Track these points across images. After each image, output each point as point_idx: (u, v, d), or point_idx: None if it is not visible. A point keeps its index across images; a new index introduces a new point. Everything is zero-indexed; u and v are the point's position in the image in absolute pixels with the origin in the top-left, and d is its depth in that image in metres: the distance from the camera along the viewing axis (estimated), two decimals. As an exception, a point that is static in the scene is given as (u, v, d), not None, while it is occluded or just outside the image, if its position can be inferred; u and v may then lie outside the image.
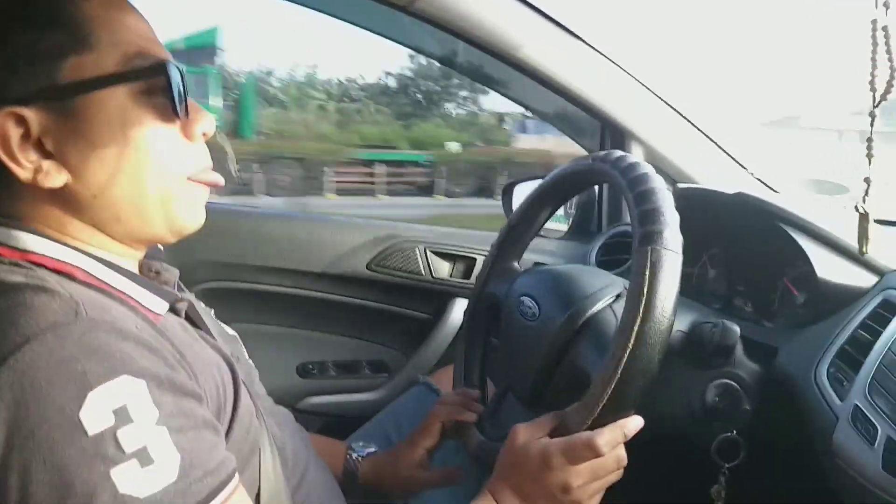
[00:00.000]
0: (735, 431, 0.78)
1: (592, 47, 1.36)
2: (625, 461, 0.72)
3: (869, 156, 0.67)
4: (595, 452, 0.69)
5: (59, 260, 0.63)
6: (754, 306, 1.06)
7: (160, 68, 0.64)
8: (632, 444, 0.71)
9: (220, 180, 0.73)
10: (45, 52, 0.61)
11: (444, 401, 1.06)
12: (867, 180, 0.68)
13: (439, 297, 1.61)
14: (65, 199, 0.64)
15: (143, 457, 0.53)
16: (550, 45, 1.35)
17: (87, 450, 0.51)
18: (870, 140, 0.67)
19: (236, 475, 0.61)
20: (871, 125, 0.66)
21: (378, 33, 1.56)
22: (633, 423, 0.71)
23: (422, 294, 1.60)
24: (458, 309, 1.60)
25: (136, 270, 0.72)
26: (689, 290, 1.19)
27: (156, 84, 0.64)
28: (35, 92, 0.61)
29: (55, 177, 0.62)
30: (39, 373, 0.52)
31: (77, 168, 0.63)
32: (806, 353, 0.81)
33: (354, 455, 1.06)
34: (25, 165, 0.62)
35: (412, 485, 1.02)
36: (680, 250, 0.71)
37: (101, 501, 0.51)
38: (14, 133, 0.61)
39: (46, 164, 0.62)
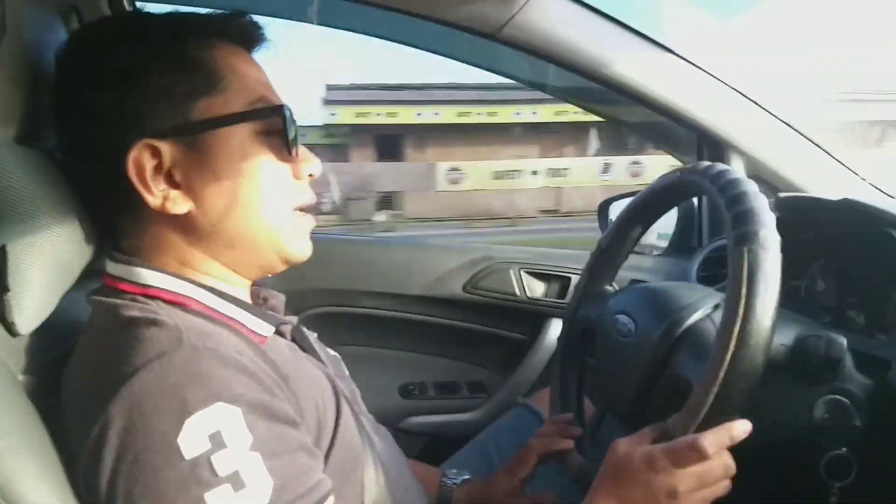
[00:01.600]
0: (845, 449, 0.74)
1: (683, 58, 1.34)
2: (733, 469, 0.68)
3: None
4: (700, 454, 0.66)
5: (172, 291, 0.69)
6: (867, 318, 1.00)
7: (279, 111, 0.71)
8: (738, 464, 0.69)
9: (313, 222, 0.79)
10: (182, 92, 0.68)
11: (540, 432, 1.06)
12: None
13: (535, 317, 1.61)
14: (186, 227, 0.71)
15: (236, 481, 0.56)
16: (640, 59, 1.35)
17: (184, 473, 0.55)
18: None
19: (331, 498, 0.63)
20: None
21: (464, 61, 1.59)
22: (740, 427, 0.67)
23: (518, 315, 1.61)
24: (554, 329, 1.60)
25: (247, 298, 0.78)
26: (798, 303, 1.14)
27: (273, 126, 0.71)
28: (170, 127, 0.68)
29: (181, 204, 0.69)
30: (146, 401, 0.57)
31: (200, 197, 0.70)
32: (922, 365, 0.76)
33: (449, 482, 1.07)
34: (156, 193, 0.68)
35: None
36: (778, 249, 0.69)
37: None
38: (149, 163, 0.67)
39: (174, 193, 0.69)
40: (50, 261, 0.65)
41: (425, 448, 1.58)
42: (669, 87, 1.36)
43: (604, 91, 1.41)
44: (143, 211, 0.69)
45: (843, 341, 0.73)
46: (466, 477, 1.09)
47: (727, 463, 0.69)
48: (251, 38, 0.76)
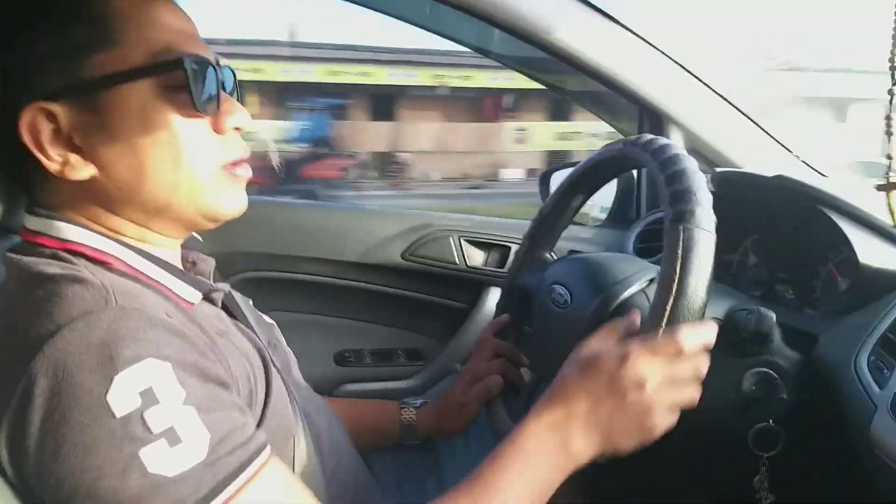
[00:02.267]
0: (772, 421, 0.76)
1: (627, 28, 1.34)
2: (703, 373, 0.69)
3: (889, 132, 0.66)
4: (676, 346, 0.67)
5: (97, 249, 0.65)
6: (796, 293, 1.03)
7: (178, 63, 0.64)
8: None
9: (248, 173, 0.74)
10: (71, 48, 0.63)
11: (494, 342, 1.07)
12: (889, 157, 0.66)
13: (474, 285, 1.61)
14: (96, 191, 0.66)
15: (172, 436, 0.55)
16: (584, 27, 1.33)
17: (116, 431, 0.53)
18: (888, 118, 0.65)
19: (268, 449, 0.62)
20: (891, 102, 0.65)
21: (408, 21, 1.56)
22: (711, 328, 0.68)
23: (457, 283, 1.60)
24: (493, 298, 1.60)
25: (175, 260, 0.74)
26: (729, 277, 1.17)
27: (179, 79, 0.65)
28: (62, 87, 0.62)
29: (81, 170, 0.64)
30: (70, 358, 0.54)
31: (103, 162, 0.65)
32: (847, 340, 0.78)
33: (409, 409, 1.08)
34: (55, 158, 0.64)
35: (467, 410, 1.04)
36: (713, 229, 0.70)
37: (131, 481, 0.53)
38: (45, 127, 0.63)
39: (73, 158, 0.64)
40: None
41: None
42: (612, 57, 1.35)
43: (547, 59, 1.39)
44: (53, 176, 0.65)
45: (773, 315, 0.75)
46: (424, 400, 1.10)
47: (698, 366, 0.69)
48: None
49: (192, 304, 0.70)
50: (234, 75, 0.75)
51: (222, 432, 0.58)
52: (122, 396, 0.54)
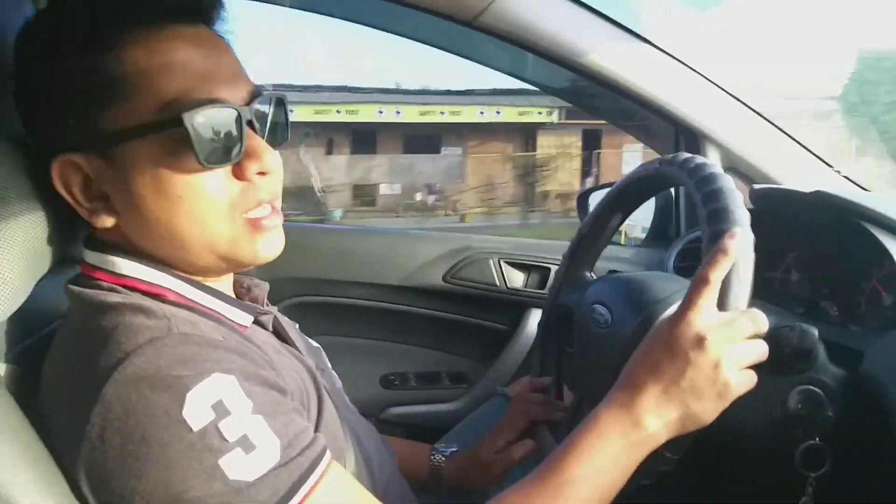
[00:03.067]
0: (819, 439, 0.75)
1: (660, 49, 1.35)
2: (766, 355, 0.70)
3: None
4: (757, 325, 0.68)
5: (151, 283, 0.68)
6: (840, 309, 1.02)
7: (178, 120, 0.61)
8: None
9: (273, 224, 0.71)
10: (87, 103, 0.64)
11: (525, 398, 1.07)
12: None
13: (515, 307, 1.62)
14: (124, 236, 0.69)
15: (246, 444, 0.57)
16: (617, 49, 1.35)
17: (195, 444, 0.56)
18: None
19: (329, 452, 0.64)
20: None
21: (443, 48, 1.59)
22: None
23: (498, 305, 1.62)
24: (534, 319, 1.61)
25: (227, 288, 0.77)
26: (772, 294, 1.16)
27: (184, 132, 0.62)
28: (82, 140, 0.65)
29: (105, 219, 0.67)
30: (143, 382, 0.57)
31: (122, 212, 0.67)
32: (893, 355, 0.77)
33: (438, 456, 1.08)
34: (85, 206, 0.67)
35: (493, 469, 1.04)
36: (752, 248, 0.70)
37: (215, 489, 0.56)
38: (74, 178, 0.66)
39: (98, 206, 0.67)
40: (23, 248, 0.64)
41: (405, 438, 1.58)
42: (646, 77, 1.37)
43: (582, 82, 1.41)
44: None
45: (815, 331, 0.75)
46: (454, 448, 1.10)
47: (763, 345, 0.70)
48: (189, 9, 0.66)
49: (245, 326, 0.73)
50: (280, 105, 0.74)
51: (290, 435, 0.61)
52: (196, 411, 0.56)
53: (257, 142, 0.68)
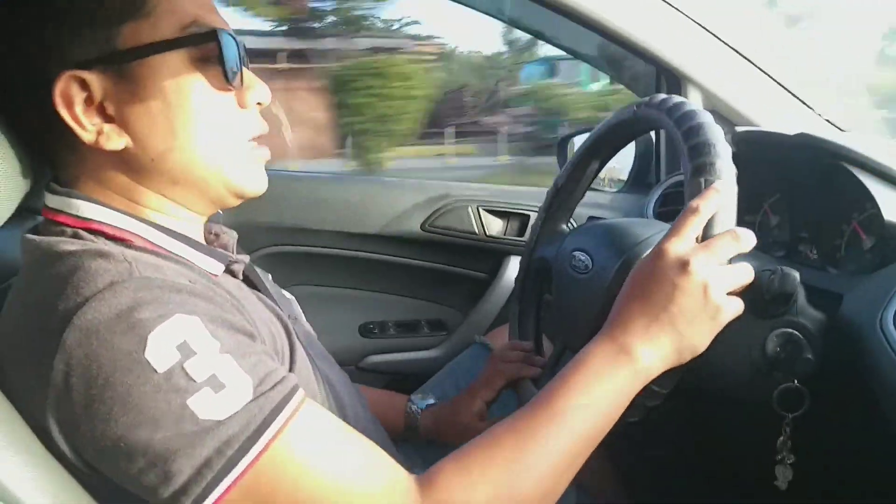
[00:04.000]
0: (797, 381, 0.76)
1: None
2: (751, 274, 0.70)
3: None
4: (739, 244, 0.68)
5: (116, 227, 0.66)
6: (820, 253, 1.02)
7: (212, 36, 0.66)
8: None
9: (267, 154, 0.75)
10: (104, 17, 0.63)
11: (504, 356, 1.07)
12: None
13: (494, 255, 1.61)
14: (126, 163, 0.67)
15: (215, 383, 0.56)
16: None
17: (161, 385, 0.55)
18: None
19: (301, 389, 0.63)
20: None
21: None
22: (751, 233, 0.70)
23: (477, 253, 1.61)
24: (514, 266, 1.60)
25: (198, 234, 0.75)
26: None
27: (209, 52, 0.66)
28: (95, 56, 0.63)
29: (116, 140, 0.65)
30: (102, 326, 0.55)
31: (136, 132, 0.66)
32: (872, 299, 0.77)
33: (414, 407, 1.09)
34: (88, 128, 0.64)
35: (470, 434, 1.04)
36: (734, 180, 0.70)
37: (185, 430, 0.55)
38: (78, 96, 0.63)
39: (108, 128, 0.65)
40: None
41: (385, 386, 1.58)
42: (627, 17, 1.33)
43: (562, 21, 1.37)
44: (80, 145, 0.65)
45: (797, 275, 0.74)
46: (431, 402, 1.11)
47: (747, 267, 0.70)
48: None
49: (215, 275, 0.71)
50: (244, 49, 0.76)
51: (261, 374, 0.60)
52: (159, 352, 0.55)
53: (253, 75, 0.72)
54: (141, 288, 0.58)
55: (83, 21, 0.63)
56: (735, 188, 0.70)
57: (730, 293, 0.69)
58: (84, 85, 0.64)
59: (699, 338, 0.68)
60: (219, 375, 0.57)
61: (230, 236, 0.82)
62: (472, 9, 1.64)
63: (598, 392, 0.67)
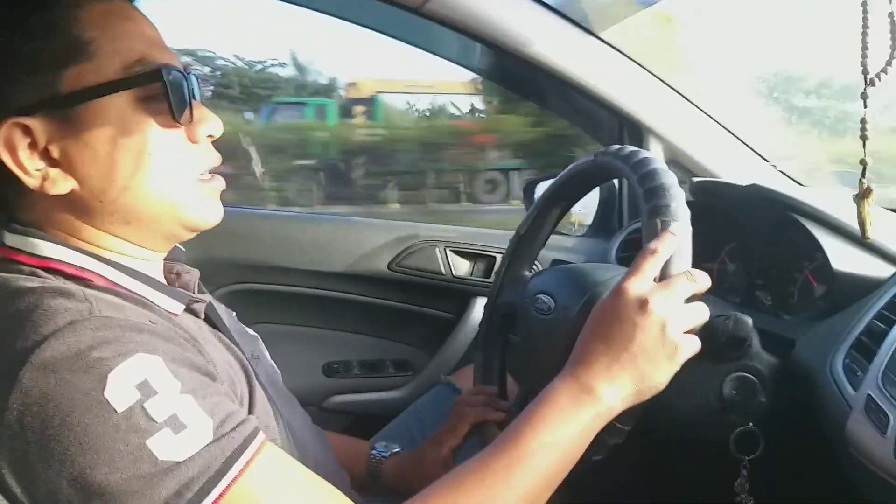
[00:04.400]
0: (752, 424, 0.78)
1: (605, 42, 1.37)
2: (707, 316, 0.72)
3: (863, 138, 0.67)
4: (696, 284, 0.70)
5: (76, 266, 0.65)
6: (774, 299, 1.06)
7: (157, 75, 0.65)
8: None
9: (222, 185, 0.74)
10: (46, 62, 0.62)
11: (469, 401, 1.07)
12: (863, 162, 0.68)
13: (461, 295, 1.62)
14: (75, 205, 0.66)
15: (175, 423, 0.55)
16: (563, 41, 1.36)
17: (120, 425, 0.54)
18: (863, 121, 0.67)
19: (262, 434, 0.62)
20: (865, 107, 0.67)
21: (390, 35, 1.57)
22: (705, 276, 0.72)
23: (443, 293, 1.62)
24: (480, 307, 1.61)
25: (157, 273, 0.75)
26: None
27: (155, 90, 0.65)
28: (37, 102, 0.62)
29: (61, 184, 0.64)
30: (61, 365, 0.54)
31: (82, 174, 0.65)
32: (823, 344, 0.80)
33: (377, 455, 1.06)
34: (33, 173, 0.64)
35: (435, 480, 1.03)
36: (688, 220, 0.73)
37: (143, 471, 0.54)
38: (21, 142, 0.63)
39: (53, 172, 0.64)
40: None
41: (349, 427, 1.57)
42: (591, 69, 1.38)
43: (528, 72, 1.42)
44: (28, 191, 0.65)
45: (749, 321, 0.77)
46: (396, 450, 1.08)
47: (703, 308, 0.71)
48: None
49: (175, 314, 0.71)
50: (198, 81, 0.75)
51: (222, 415, 0.59)
52: (119, 391, 0.54)
53: (204, 109, 0.71)
54: (101, 327, 0.57)
55: (24, 67, 0.62)
56: (689, 230, 0.73)
57: (687, 332, 0.71)
58: (27, 130, 0.62)
59: (659, 375, 0.69)
60: (179, 416, 0.55)
61: (192, 275, 0.80)
62: (436, 55, 1.68)
63: (562, 432, 0.68)
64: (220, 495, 0.55)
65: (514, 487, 0.65)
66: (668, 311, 0.69)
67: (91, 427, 0.53)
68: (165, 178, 0.67)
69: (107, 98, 0.63)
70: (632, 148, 0.83)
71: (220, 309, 0.83)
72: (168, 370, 0.57)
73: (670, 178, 0.76)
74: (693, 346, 0.70)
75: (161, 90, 0.65)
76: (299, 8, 1.52)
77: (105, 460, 0.53)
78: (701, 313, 0.71)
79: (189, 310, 0.74)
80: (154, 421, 0.55)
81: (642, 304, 0.68)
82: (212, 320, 0.79)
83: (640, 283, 0.70)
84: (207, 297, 0.79)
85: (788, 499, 0.86)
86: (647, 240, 0.73)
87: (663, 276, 0.71)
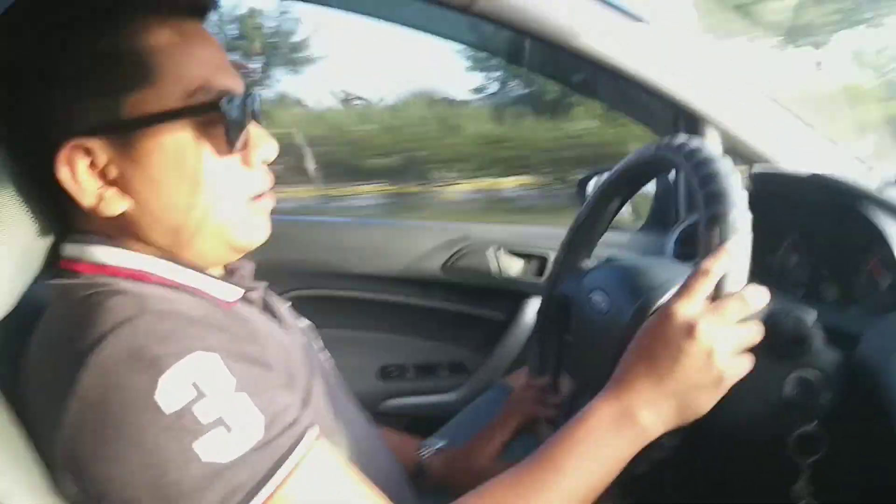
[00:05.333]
0: (815, 425, 0.74)
1: (656, 28, 1.33)
2: (760, 336, 0.69)
3: None
4: (748, 307, 0.67)
5: (131, 268, 0.67)
6: (838, 292, 1.00)
7: (215, 104, 0.66)
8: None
9: (271, 205, 0.75)
10: (112, 86, 0.64)
11: (519, 396, 1.06)
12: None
13: (513, 297, 1.61)
14: (128, 224, 0.68)
15: (225, 424, 0.56)
16: (615, 30, 1.32)
17: (171, 426, 0.55)
18: None
19: (316, 428, 0.63)
20: None
21: (440, 35, 1.57)
22: (763, 292, 0.69)
23: (495, 295, 1.61)
24: (532, 309, 1.60)
25: (213, 271, 0.75)
26: (770, 278, 1.14)
27: (213, 119, 0.66)
28: (100, 125, 0.64)
29: (117, 204, 0.66)
30: (119, 365, 0.56)
31: (137, 197, 0.67)
32: (889, 338, 0.76)
33: (424, 450, 1.07)
34: (90, 193, 0.65)
35: (485, 477, 1.02)
36: (749, 231, 0.69)
37: (191, 472, 0.55)
38: (81, 163, 0.65)
39: (109, 193, 0.66)
40: (15, 248, 0.63)
41: (405, 430, 1.57)
42: (644, 58, 1.34)
43: (580, 64, 1.39)
44: (82, 207, 0.67)
45: (813, 316, 0.73)
46: (441, 445, 1.09)
47: (758, 328, 0.69)
48: (198, 5, 0.69)
49: (232, 303, 0.72)
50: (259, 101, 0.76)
51: (272, 413, 0.59)
52: (172, 392, 0.55)
53: (262, 131, 0.72)
54: (156, 321, 0.59)
55: (90, 90, 0.64)
56: (749, 244, 0.69)
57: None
58: (87, 151, 0.65)
59: (702, 402, 0.68)
60: (231, 415, 0.57)
61: (246, 269, 0.82)
62: (488, 52, 1.67)
63: (599, 453, 0.68)
64: (265, 501, 0.56)
65: None
66: (716, 336, 0.66)
67: (144, 428, 0.55)
68: (217, 202, 0.68)
69: (165, 125, 0.65)
70: (695, 143, 0.79)
71: (275, 298, 0.85)
72: (225, 367, 0.58)
73: (732, 182, 0.72)
74: (742, 369, 0.68)
75: (219, 118, 0.66)
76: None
77: (156, 461, 0.55)
78: (753, 336, 0.69)
79: (245, 299, 0.76)
80: (203, 423, 0.56)
81: (690, 329, 0.66)
82: (269, 308, 0.80)
83: (689, 307, 0.67)
84: (263, 286, 0.81)
85: (854, 500, 0.82)
86: (703, 252, 0.70)
87: (716, 295, 0.68)
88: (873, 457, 0.76)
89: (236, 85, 0.70)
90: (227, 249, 0.72)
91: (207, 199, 0.68)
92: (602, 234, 1.05)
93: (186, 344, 0.58)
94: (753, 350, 0.69)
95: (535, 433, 1.01)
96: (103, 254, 0.68)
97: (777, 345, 0.73)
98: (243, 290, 0.75)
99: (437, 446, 1.08)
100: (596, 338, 0.92)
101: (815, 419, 0.73)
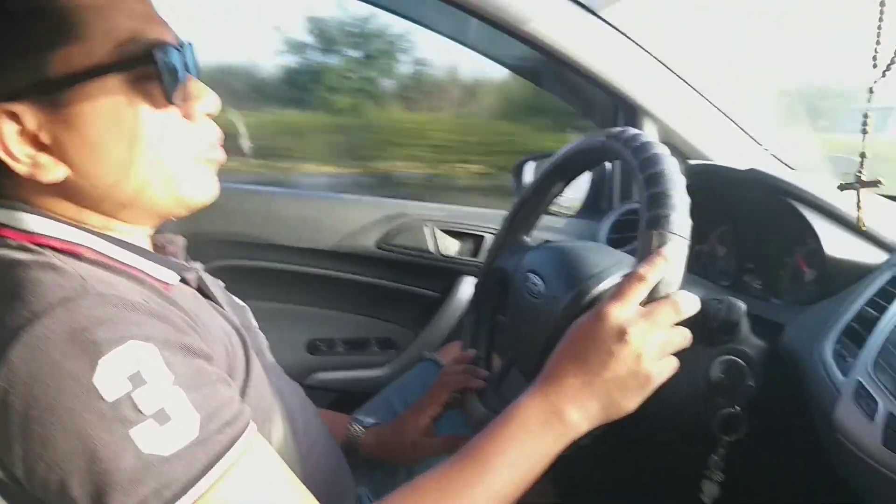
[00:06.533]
0: (738, 407, 0.77)
1: (604, 20, 1.34)
2: (689, 340, 0.70)
3: (864, 131, 0.67)
4: (679, 313, 0.68)
5: (64, 240, 0.63)
6: (763, 284, 1.05)
7: (148, 55, 0.62)
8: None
9: (223, 157, 0.72)
10: (34, 45, 0.59)
11: (449, 370, 1.07)
12: (862, 155, 0.68)
13: (447, 274, 1.61)
14: (67, 191, 0.64)
15: (162, 417, 0.54)
16: (560, 19, 1.34)
17: (107, 414, 0.52)
18: (866, 115, 0.67)
19: (252, 424, 0.62)
20: (869, 101, 0.66)
21: (385, 8, 1.55)
22: (694, 299, 0.70)
23: (430, 272, 1.61)
24: (466, 287, 1.61)
25: (145, 244, 0.73)
26: (699, 267, 1.18)
27: (147, 70, 0.62)
28: (26, 87, 0.59)
29: (53, 171, 0.62)
30: (52, 346, 0.52)
31: (75, 161, 0.62)
32: (812, 329, 0.80)
33: (356, 426, 1.07)
34: (23, 160, 0.61)
35: (416, 452, 1.04)
36: (687, 235, 0.70)
37: (125, 463, 0.52)
38: (9, 129, 0.60)
39: (44, 159, 0.62)
40: None
41: (332, 404, 1.56)
42: (589, 49, 1.36)
43: (522, 49, 1.40)
44: (16, 174, 0.62)
45: (742, 305, 0.76)
46: (373, 421, 1.09)
47: (686, 333, 0.70)
48: None
49: (170, 285, 0.69)
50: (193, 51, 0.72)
51: (211, 409, 0.57)
52: (109, 379, 0.53)
53: (200, 84, 0.68)
54: (95, 305, 0.55)
55: (11, 51, 0.59)
56: (686, 250, 0.70)
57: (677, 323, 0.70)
58: (15, 116, 0.60)
59: (628, 402, 0.69)
60: (167, 409, 0.54)
61: (177, 245, 0.79)
62: (438, 34, 1.66)
63: (527, 450, 0.69)
64: (199, 497, 0.54)
65: (474, 502, 0.66)
66: (646, 341, 0.68)
67: (77, 413, 0.52)
68: (162, 159, 0.65)
69: (98, 81, 0.60)
70: (644, 139, 0.79)
71: (209, 279, 0.82)
72: (161, 358, 0.56)
73: (677, 185, 0.73)
74: (668, 370, 0.70)
75: (153, 71, 0.62)
76: None
77: (88, 448, 0.52)
78: (681, 341, 0.70)
79: (182, 280, 0.73)
80: (142, 413, 0.53)
81: (621, 333, 0.68)
82: (203, 290, 0.78)
83: (622, 311, 0.68)
84: (198, 266, 0.78)
85: (761, 479, 0.86)
86: (641, 253, 0.71)
87: (649, 299, 0.69)
88: (790, 439, 0.80)
89: (168, 36, 0.66)
90: (171, 206, 0.68)
91: (150, 158, 0.64)
92: (543, 213, 1.06)
93: (126, 330, 0.55)
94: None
95: (463, 407, 1.02)
96: (34, 222, 0.63)
97: (707, 330, 0.76)
98: (180, 272, 0.72)
99: (369, 422, 1.08)
100: (529, 319, 0.93)
101: (738, 402, 0.77)
